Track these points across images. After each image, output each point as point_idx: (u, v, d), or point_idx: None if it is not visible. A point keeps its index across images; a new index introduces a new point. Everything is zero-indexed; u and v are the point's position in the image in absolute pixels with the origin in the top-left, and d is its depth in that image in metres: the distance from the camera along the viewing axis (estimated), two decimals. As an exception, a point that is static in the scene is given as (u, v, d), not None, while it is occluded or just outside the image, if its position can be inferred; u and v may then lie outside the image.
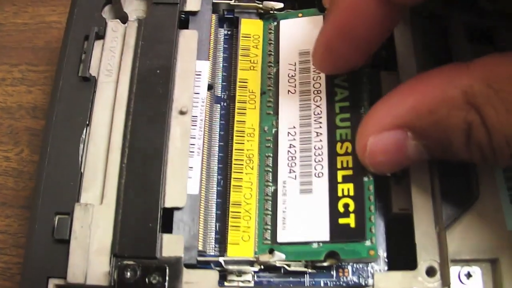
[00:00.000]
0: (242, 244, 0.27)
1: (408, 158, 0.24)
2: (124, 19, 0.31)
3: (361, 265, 0.27)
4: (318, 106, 0.29)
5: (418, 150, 0.24)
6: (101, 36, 0.30)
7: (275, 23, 0.32)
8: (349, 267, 0.27)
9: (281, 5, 0.32)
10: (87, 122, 0.28)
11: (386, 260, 0.27)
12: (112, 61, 0.29)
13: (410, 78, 0.24)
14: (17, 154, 0.35)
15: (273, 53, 0.31)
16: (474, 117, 0.22)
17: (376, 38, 0.26)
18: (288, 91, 0.30)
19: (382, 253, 0.27)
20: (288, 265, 0.26)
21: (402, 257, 0.27)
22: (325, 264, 0.26)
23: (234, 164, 0.28)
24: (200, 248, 0.26)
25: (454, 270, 0.25)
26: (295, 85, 0.30)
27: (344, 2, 0.25)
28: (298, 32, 0.31)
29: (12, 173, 0.35)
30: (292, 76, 0.30)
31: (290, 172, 0.28)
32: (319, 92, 0.29)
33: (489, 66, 0.22)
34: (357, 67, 0.28)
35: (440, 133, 0.23)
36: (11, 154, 0.35)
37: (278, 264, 0.26)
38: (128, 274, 0.24)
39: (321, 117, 0.29)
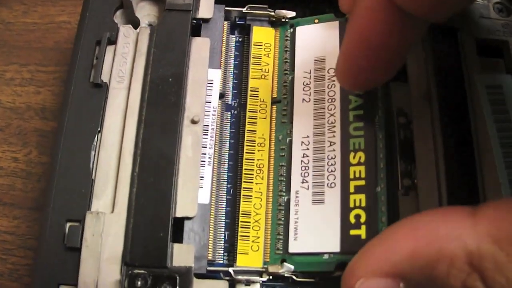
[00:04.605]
0: (251, 254, 0.27)
1: None
2: (136, 24, 0.31)
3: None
4: (332, 115, 0.29)
5: None
6: (112, 41, 0.30)
7: (291, 30, 0.32)
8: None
9: (293, 13, 0.32)
10: (99, 129, 0.28)
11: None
12: (124, 67, 0.29)
13: (412, 216, 0.22)
14: (26, 155, 0.35)
15: (288, 61, 0.31)
16: (476, 283, 0.19)
17: (396, 49, 0.25)
18: (303, 99, 0.30)
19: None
20: (296, 276, 0.26)
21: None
22: (335, 275, 0.26)
23: (244, 174, 0.28)
24: (210, 257, 0.26)
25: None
26: (310, 93, 0.30)
27: (361, 7, 0.24)
28: (314, 39, 0.30)
29: (20, 174, 0.35)
30: (307, 84, 0.30)
31: (303, 182, 0.28)
32: (333, 100, 0.29)
33: (499, 221, 0.19)
34: (381, 83, 0.27)
35: None
36: (19, 155, 0.35)
37: (286, 274, 0.26)
38: (139, 283, 0.25)
39: (334, 126, 0.28)
